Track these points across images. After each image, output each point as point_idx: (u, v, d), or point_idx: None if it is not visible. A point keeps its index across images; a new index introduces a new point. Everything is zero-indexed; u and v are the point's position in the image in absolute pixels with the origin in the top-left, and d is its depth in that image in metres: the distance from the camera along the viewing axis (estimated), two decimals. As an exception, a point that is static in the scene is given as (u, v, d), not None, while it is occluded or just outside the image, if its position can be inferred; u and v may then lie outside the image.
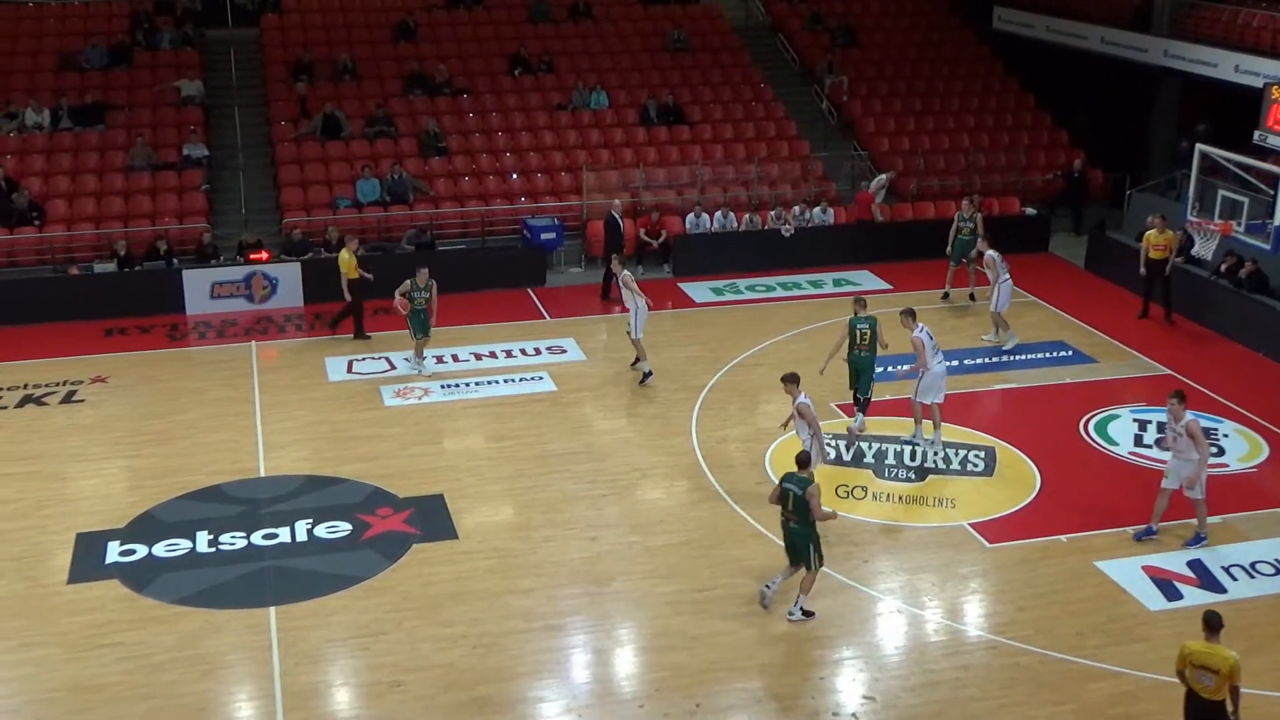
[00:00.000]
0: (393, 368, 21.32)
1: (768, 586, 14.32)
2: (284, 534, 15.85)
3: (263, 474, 17.59)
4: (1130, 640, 13.84)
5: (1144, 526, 15.81)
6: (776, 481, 16.64)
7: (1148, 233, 23.28)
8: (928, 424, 18.16)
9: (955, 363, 21.18)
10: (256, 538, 15.73)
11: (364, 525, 16.12)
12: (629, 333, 20.61)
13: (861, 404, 18.73)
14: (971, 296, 24.65)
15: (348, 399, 20.14)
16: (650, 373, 20.52)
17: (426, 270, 20.95)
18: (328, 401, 20.05)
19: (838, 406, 19.63)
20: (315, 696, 12.86)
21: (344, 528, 16.05)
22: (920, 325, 18.13)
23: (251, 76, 30.38)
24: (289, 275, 24.36)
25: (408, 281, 20.72)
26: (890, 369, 20.12)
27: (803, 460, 14.14)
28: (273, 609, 14.27)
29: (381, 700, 12.76)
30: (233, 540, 15.68)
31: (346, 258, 22.23)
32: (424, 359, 21.11)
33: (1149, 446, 18.43)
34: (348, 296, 22.39)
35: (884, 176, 28.45)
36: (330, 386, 20.65)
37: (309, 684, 13.02)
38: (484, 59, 31.28)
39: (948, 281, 24.61)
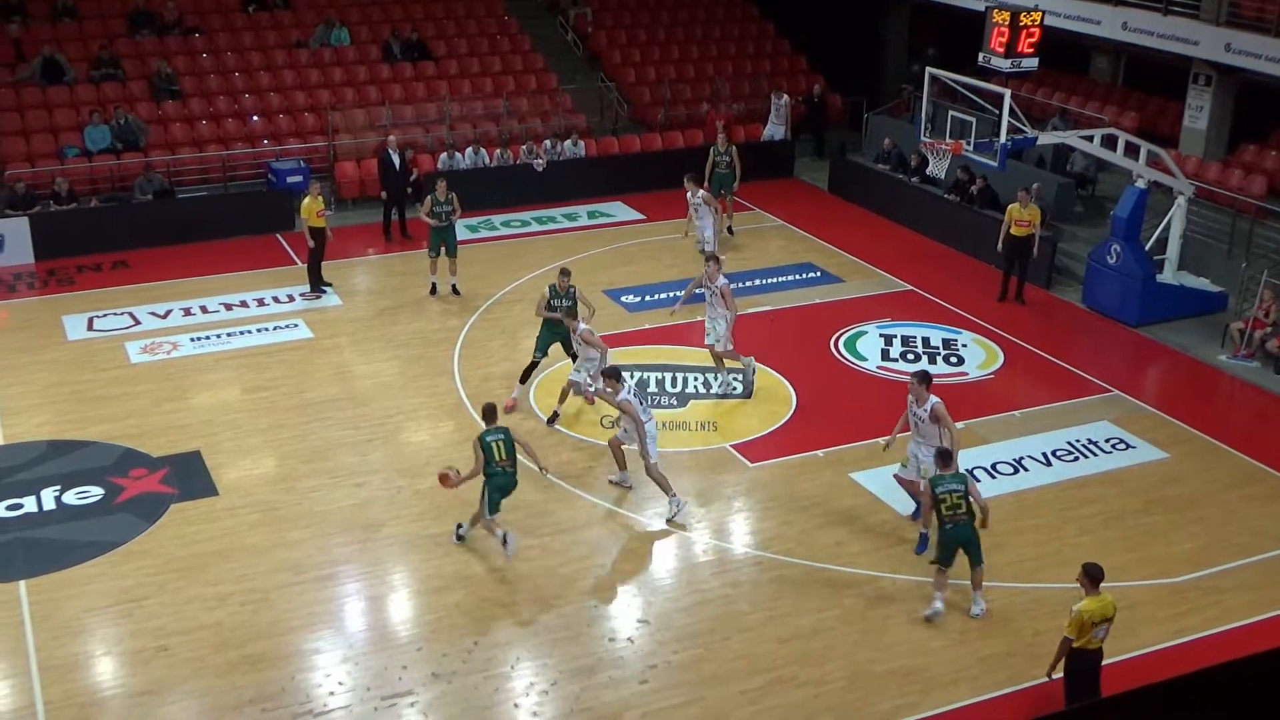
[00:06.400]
0: (137, 322, 20.41)
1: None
2: (30, 503, 15.08)
3: (1, 442, 16.66)
4: (885, 545, 14.55)
5: (919, 536, 14.58)
6: (544, 417, 16.87)
7: (1010, 206, 21.53)
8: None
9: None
10: (-1, 509, 14.96)
11: (117, 488, 15.48)
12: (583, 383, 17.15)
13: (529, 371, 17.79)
14: (730, 230, 24.98)
15: (90, 358, 19.20)
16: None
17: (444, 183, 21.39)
18: (68, 362, 19.08)
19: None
20: (75, 669, 12.36)
21: (95, 492, 15.38)
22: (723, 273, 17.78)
23: (-42, 19, 28.29)
24: (16, 231, 22.92)
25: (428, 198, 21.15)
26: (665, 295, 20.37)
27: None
28: (23, 582, 13.60)
29: (148, 666, 12.36)
30: (-27, 514, 14.85)
31: (308, 204, 21.18)
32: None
33: (895, 360, 19.30)
34: (310, 243, 21.33)
35: (786, 99, 29.13)
36: (70, 346, 19.64)
37: (68, 656, 12.50)
38: (214, -5, 29.95)
39: None
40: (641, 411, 15.00)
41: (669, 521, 14.96)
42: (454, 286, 21.69)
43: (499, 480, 13.93)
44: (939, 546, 13.17)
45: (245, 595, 13.46)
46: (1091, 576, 11.28)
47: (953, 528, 12.92)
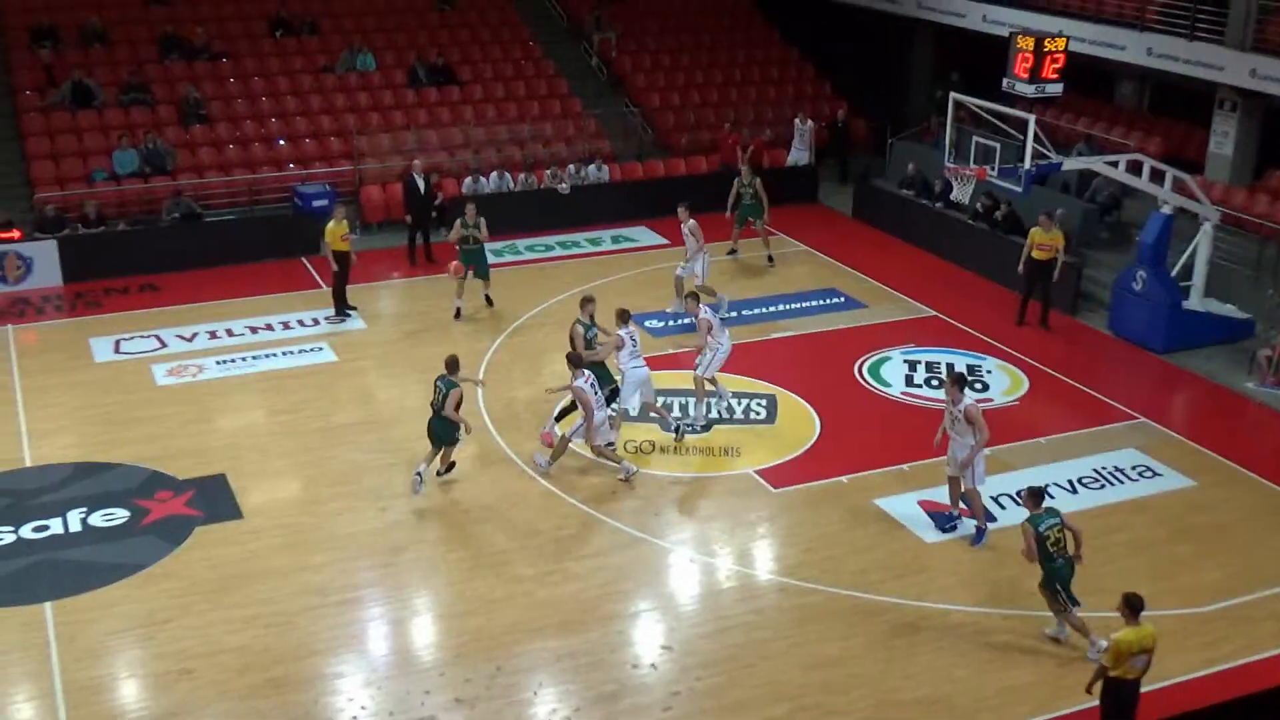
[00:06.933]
0: (163, 345, 20.53)
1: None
2: (56, 525, 15.14)
3: (29, 464, 16.75)
4: (909, 572, 14.47)
5: (946, 515, 15.44)
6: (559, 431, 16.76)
7: (1032, 230, 21.47)
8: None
9: (734, 314, 21.69)
10: (26, 531, 14.99)
11: (142, 511, 15.54)
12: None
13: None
14: (769, 259, 24.83)
15: (116, 380, 19.31)
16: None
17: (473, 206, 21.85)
18: (95, 384, 19.18)
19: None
20: (100, 691, 12.38)
21: (121, 514, 15.44)
22: (703, 306, 18.09)
23: (-10, 44, 28.60)
24: (45, 254, 23.11)
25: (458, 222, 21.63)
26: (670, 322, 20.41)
27: None
28: (48, 604, 13.64)
29: (171, 689, 12.38)
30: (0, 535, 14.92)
31: (333, 228, 21.29)
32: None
33: (919, 386, 19.24)
34: (334, 267, 21.40)
35: (810, 125, 29.31)
36: (97, 368, 19.76)
37: (92, 679, 12.52)
38: (243, 21, 30.19)
39: (733, 239, 24.93)
40: (595, 401, 15.98)
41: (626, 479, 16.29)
42: (487, 297, 22.04)
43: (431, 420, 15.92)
44: (1056, 589, 12.91)
45: (269, 618, 13.48)
46: (1131, 606, 11.19)
47: (1063, 563, 12.83)
